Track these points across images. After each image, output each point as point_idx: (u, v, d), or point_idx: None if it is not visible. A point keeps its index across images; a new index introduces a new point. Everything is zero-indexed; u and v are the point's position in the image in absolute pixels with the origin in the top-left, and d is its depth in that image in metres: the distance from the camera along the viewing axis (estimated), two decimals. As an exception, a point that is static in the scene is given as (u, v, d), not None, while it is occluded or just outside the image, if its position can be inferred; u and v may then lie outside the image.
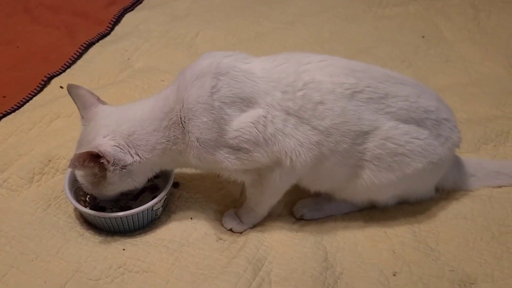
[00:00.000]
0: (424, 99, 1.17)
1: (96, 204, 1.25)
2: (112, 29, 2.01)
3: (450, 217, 1.27)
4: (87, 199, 1.26)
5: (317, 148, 1.11)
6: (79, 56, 1.85)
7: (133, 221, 1.19)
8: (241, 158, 1.10)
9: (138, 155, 1.12)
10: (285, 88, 1.10)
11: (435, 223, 1.26)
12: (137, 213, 1.18)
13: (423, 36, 1.98)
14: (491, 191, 1.33)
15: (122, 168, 1.11)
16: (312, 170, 1.14)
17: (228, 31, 2.01)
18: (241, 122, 1.08)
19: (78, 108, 1.20)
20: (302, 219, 1.28)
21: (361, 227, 1.25)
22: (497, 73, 1.79)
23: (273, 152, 1.10)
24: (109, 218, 1.17)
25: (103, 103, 1.20)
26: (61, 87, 1.70)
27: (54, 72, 1.75)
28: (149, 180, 1.21)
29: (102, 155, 1.07)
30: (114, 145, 1.10)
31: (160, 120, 1.11)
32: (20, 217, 1.21)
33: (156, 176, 1.22)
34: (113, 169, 1.10)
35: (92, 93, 1.20)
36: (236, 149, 1.10)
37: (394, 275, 1.14)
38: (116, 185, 1.13)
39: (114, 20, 2.04)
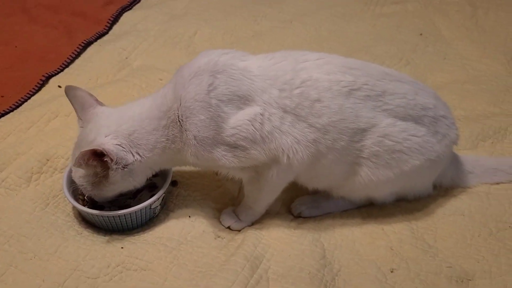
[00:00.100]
0: (421, 97, 1.18)
1: (94, 202, 1.25)
2: (110, 28, 2.01)
3: (448, 213, 1.28)
4: (85, 198, 1.26)
5: (314, 145, 1.11)
6: (77, 55, 1.85)
7: (131, 219, 1.20)
8: (239, 156, 1.11)
9: (139, 154, 1.12)
10: (282, 86, 1.11)
11: (433, 220, 1.26)
12: (135, 212, 1.18)
13: (421, 34, 1.98)
14: (488, 187, 1.33)
15: (124, 167, 1.11)
16: (309, 167, 1.14)
17: (226, 30, 2.01)
18: (238, 120, 1.09)
19: (76, 110, 1.19)
20: (300, 217, 1.28)
21: (359, 224, 1.26)
22: (495, 70, 1.79)
23: (270, 149, 1.10)
24: (108, 216, 1.18)
25: (101, 104, 1.20)
26: (59, 86, 1.70)
27: (52, 72, 1.75)
28: (147, 179, 1.21)
29: (106, 153, 1.08)
30: (117, 144, 1.10)
31: (159, 119, 1.12)
32: (19, 216, 1.22)
33: (155, 175, 1.22)
34: (116, 168, 1.10)
35: (90, 94, 1.20)
36: (233, 146, 1.10)
37: (391, 271, 1.14)
38: (117, 185, 1.13)
39: (112, 19, 2.04)
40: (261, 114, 1.09)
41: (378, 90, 1.13)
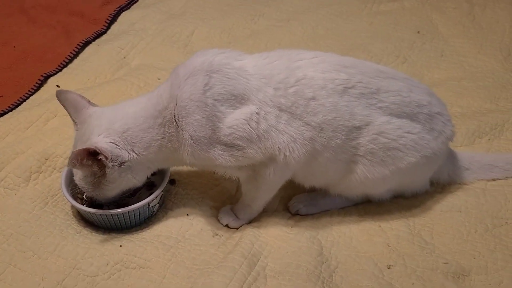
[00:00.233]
0: (416, 94, 1.18)
1: (93, 201, 1.26)
2: (108, 28, 2.02)
3: (444, 210, 1.28)
4: (84, 196, 1.27)
5: (310, 143, 1.12)
6: (76, 55, 1.85)
7: (129, 217, 1.20)
8: (235, 155, 1.11)
9: (134, 151, 1.12)
10: (277, 84, 1.11)
11: (430, 217, 1.27)
12: (134, 210, 1.19)
13: (418, 31, 1.98)
14: (485, 184, 1.34)
15: (121, 165, 1.12)
16: (306, 165, 1.15)
17: (223, 29, 2.01)
18: (234, 119, 1.09)
19: (69, 113, 1.19)
20: (298, 214, 1.29)
21: (356, 222, 1.26)
22: (491, 67, 1.80)
23: (266, 148, 1.11)
24: (106, 215, 1.18)
25: (94, 105, 1.20)
26: (58, 86, 1.71)
27: (51, 72, 1.76)
28: (146, 178, 1.21)
29: (99, 151, 1.08)
30: (110, 142, 1.10)
31: (154, 118, 1.12)
32: (18, 215, 1.22)
33: (153, 174, 1.23)
34: (112, 166, 1.10)
35: (82, 96, 1.20)
36: (229, 146, 1.11)
37: (388, 268, 1.15)
38: (116, 183, 1.14)
39: (110, 19, 2.04)
40: (257, 113, 1.09)
41: (372, 87, 1.14)
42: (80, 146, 1.10)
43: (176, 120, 1.11)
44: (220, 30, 2.01)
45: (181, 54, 1.87)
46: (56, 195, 1.29)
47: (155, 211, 1.26)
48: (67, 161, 1.09)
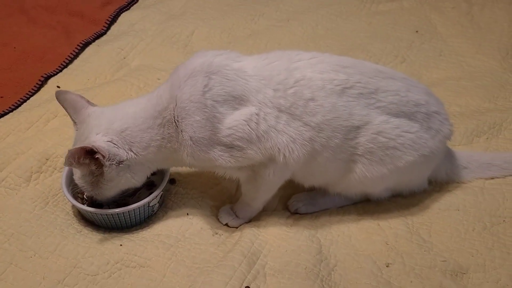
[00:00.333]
0: (414, 93, 1.19)
1: (93, 201, 1.26)
2: (108, 28, 2.03)
3: (442, 208, 1.29)
4: (84, 196, 1.28)
5: (310, 144, 1.12)
6: (76, 55, 1.86)
7: (130, 217, 1.21)
8: (235, 156, 1.12)
9: (132, 151, 1.13)
10: (277, 86, 1.12)
11: (428, 215, 1.28)
12: (134, 209, 1.20)
13: (416, 31, 1.99)
14: (483, 182, 1.35)
15: (119, 164, 1.12)
16: (305, 165, 1.16)
17: (223, 29, 2.02)
18: (233, 120, 1.10)
19: (69, 114, 1.19)
20: (297, 213, 1.30)
21: (355, 220, 1.27)
22: (490, 66, 1.81)
23: (266, 148, 1.12)
24: (106, 214, 1.19)
25: (93, 105, 1.20)
26: (58, 86, 1.72)
27: (51, 72, 1.77)
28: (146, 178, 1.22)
29: (96, 150, 1.08)
30: (107, 141, 1.11)
31: (154, 118, 1.13)
32: (19, 215, 1.23)
33: (153, 173, 1.24)
34: (109, 164, 1.11)
35: (81, 96, 1.20)
36: (229, 147, 1.11)
37: (387, 266, 1.16)
38: (114, 182, 1.14)
39: (110, 19, 2.05)
40: (257, 114, 1.10)
41: (371, 87, 1.15)
42: (78, 145, 1.11)
43: (176, 121, 1.11)
44: (220, 30, 2.02)
45: (181, 55, 1.88)
46: (57, 195, 1.29)
47: (155, 210, 1.27)
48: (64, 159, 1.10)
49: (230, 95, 1.10)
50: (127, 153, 1.12)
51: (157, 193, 1.22)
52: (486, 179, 1.35)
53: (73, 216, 1.26)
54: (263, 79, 1.13)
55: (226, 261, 1.13)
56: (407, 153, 1.17)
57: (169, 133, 1.13)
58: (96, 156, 1.09)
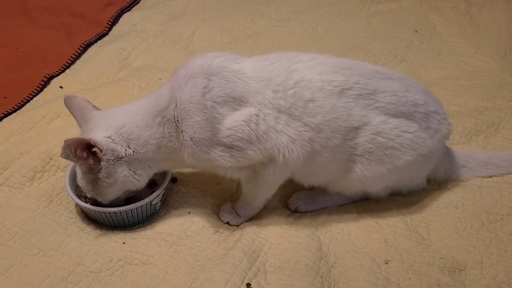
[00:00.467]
0: (412, 93, 1.20)
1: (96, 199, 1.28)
2: (110, 29, 2.04)
3: (441, 206, 1.31)
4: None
5: (309, 144, 1.14)
6: (78, 56, 1.88)
7: (132, 215, 1.23)
8: (235, 156, 1.13)
9: (130, 147, 1.13)
10: (276, 87, 1.13)
11: (427, 213, 1.30)
12: (136, 208, 1.21)
13: (416, 31, 2.01)
14: (481, 181, 1.36)
15: (117, 160, 1.13)
16: (305, 165, 1.17)
17: (223, 30, 2.04)
18: (233, 121, 1.11)
19: (76, 119, 1.21)
20: (297, 212, 1.32)
21: (354, 218, 1.29)
22: (488, 66, 1.82)
23: (266, 149, 1.13)
24: (109, 213, 1.21)
25: (98, 109, 1.22)
26: (61, 87, 1.73)
27: (54, 73, 1.78)
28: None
29: (93, 144, 1.09)
30: (105, 136, 1.12)
31: (153, 117, 1.14)
32: (23, 213, 1.25)
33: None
34: (107, 159, 1.12)
35: (88, 101, 1.22)
36: (229, 147, 1.12)
37: (386, 263, 1.17)
38: (113, 178, 1.14)
39: (111, 20, 2.07)
40: (256, 115, 1.11)
41: (369, 88, 1.16)
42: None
43: (176, 121, 1.13)
44: (221, 30, 2.03)
45: (182, 55, 1.89)
46: (60, 193, 1.31)
47: (157, 209, 1.29)
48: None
49: (229, 96, 1.12)
50: (126, 149, 1.13)
51: (159, 191, 1.24)
52: (484, 177, 1.37)
53: (76, 214, 1.27)
54: (262, 80, 1.14)
55: (227, 258, 1.15)
56: (405, 153, 1.18)
57: (169, 132, 1.14)
58: (93, 150, 1.11)
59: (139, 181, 1.18)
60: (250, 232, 1.22)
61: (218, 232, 1.25)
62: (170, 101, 1.13)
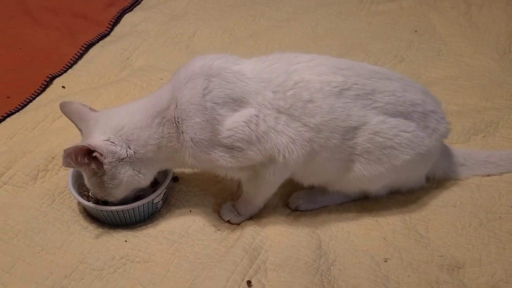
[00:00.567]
0: (410, 93, 1.21)
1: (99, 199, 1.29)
2: (111, 29, 2.05)
3: (440, 205, 1.32)
4: (90, 193, 1.30)
5: (309, 144, 1.15)
6: (80, 56, 1.89)
7: (134, 214, 1.24)
8: (236, 156, 1.14)
9: (130, 148, 1.14)
10: (276, 88, 1.14)
11: (426, 212, 1.31)
12: (138, 206, 1.22)
13: (415, 31, 2.02)
14: (479, 179, 1.37)
15: (119, 161, 1.14)
16: (304, 165, 1.18)
17: (224, 30, 2.05)
18: (233, 122, 1.12)
19: (75, 123, 1.22)
20: (297, 210, 1.33)
21: (354, 217, 1.30)
22: (487, 66, 1.83)
23: (266, 149, 1.14)
24: (111, 211, 1.22)
25: (95, 111, 1.23)
26: (63, 87, 1.74)
27: (56, 73, 1.79)
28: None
29: (93, 149, 1.10)
30: (105, 139, 1.13)
31: (152, 117, 1.15)
32: (26, 212, 1.26)
33: (156, 172, 1.26)
34: (109, 162, 1.13)
35: (84, 104, 1.23)
36: (230, 148, 1.13)
37: (385, 261, 1.18)
38: (117, 180, 1.15)
39: (113, 20, 2.08)
40: (256, 116, 1.12)
41: (367, 89, 1.17)
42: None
43: (177, 122, 1.14)
44: (222, 30, 2.04)
45: (183, 55, 1.90)
46: (63, 192, 1.32)
47: (159, 207, 1.30)
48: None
49: (229, 97, 1.12)
50: (126, 150, 1.14)
51: (160, 190, 1.25)
52: (483, 176, 1.38)
53: (79, 213, 1.29)
54: (262, 81, 1.15)
55: (228, 256, 1.16)
56: (404, 152, 1.19)
57: (168, 132, 1.15)
58: (94, 155, 1.12)
59: (145, 179, 1.19)
60: (250, 230, 1.23)
61: (219, 230, 1.26)
62: (170, 102, 1.14)
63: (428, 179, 1.37)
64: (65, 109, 1.23)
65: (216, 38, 2.01)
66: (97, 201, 1.27)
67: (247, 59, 1.21)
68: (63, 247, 1.19)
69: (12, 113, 1.61)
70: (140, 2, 2.23)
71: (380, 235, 1.25)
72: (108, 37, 2.02)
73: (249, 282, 1.11)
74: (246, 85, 1.14)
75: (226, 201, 1.33)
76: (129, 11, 2.17)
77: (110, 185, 1.16)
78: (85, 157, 1.12)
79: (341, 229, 1.26)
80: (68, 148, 1.09)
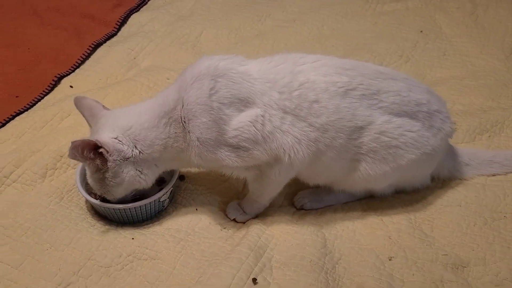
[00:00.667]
0: (415, 93, 1.22)
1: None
2: (118, 30, 2.07)
3: (445, 204, 1.32)
4: (97, 192, 1.32)
5: (315, 144, 1.15)
6: (88, 56, 1.91)
7: (141, 212, 1.25)
8: (242, 156, 1.15)
9: (136, 147, 1.16)
10: (282, 88, 1.15)
11: (431, 211, 1.31)
12: (145, 205, 1.24)
13: (421, 31, 2.02)
14: (485, 179, 1.38)
15: (124, 160, 1.15)
16: (310, 165, 1.19)
17: (230, 30, 2.06)
18: (240, 122, 1.13)
19: (86, 119, 1.24)
20: (302, 209, 1.34)
21: (359, 216, 1.31)
22: (493, 66, 1.83)
23: (271, 149, 1.15)
24: (119, 209, 1.23)
25: (107, 109, 1.25)
26: (71, 86, 1.76)
27: (64, 73, 1.81)
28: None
29: (100, 144, 1.12)
30: (113, 137, 1.15)
31: (160, 117, 1.16)
32: (35, 209, 1.27)
33: (162, 171, 1.28)
34: (114, 160, 1.14)
35: (97, 101, 1.25)
36: (236, 147, 1.14)
37: (390, 259, 1.19)
38: (119, 178, 1.16)
39: (120, 21, 2.10)
40: (262, 116, 1.13)
41: (373, 89, 1.18)
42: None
43: (183, 122, 1.15)
44: (228, 31, 2.05)
45: (189, 55, 1.91)
46: (71, 190, 1.34)
47: (165, 205, 1.31)
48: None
49: (235, 98, 1.13)
50: (132, 150, 1.15)
51: (167, 189, 1.26)
52: (488, 176, 1.39)
53: (86, 211, 1.30)
54: (268, 82, 1.16)
55: (234, 254, 1.17)
56: (409, 152, 1.20)
57: (175, 132, 1.16)
58: (100, 151, 1.13)
59: (146, 180, 1.20)
60: (256, 228, 1.24)
61: (225, 228, 1.27)
62: (177, 102, 1.15)
63: (433, 178, 1.38)
64: (79, 103, 1.25)
65: (222, 38, 2.02)
66: (105, 199, 1.28)
67: (253, 60, 1.22)
68: (71, 244, 1.20)
69: (21, 112, 1.63)
70: (147, 3, 2.25)
71: (385, 234, 1.25)
72: (115, 37, 2.03)
73: (254, 280, 1.12)
74: (252, 85, 1.15)
75: (232, 199, 1.35)
76: (136, 12, 2.19)
77: (111, 183, 1.17)
78: (91, 151, 1.13)
79: (346, 227, 1.27)
80: (76, 141, 1.11)
